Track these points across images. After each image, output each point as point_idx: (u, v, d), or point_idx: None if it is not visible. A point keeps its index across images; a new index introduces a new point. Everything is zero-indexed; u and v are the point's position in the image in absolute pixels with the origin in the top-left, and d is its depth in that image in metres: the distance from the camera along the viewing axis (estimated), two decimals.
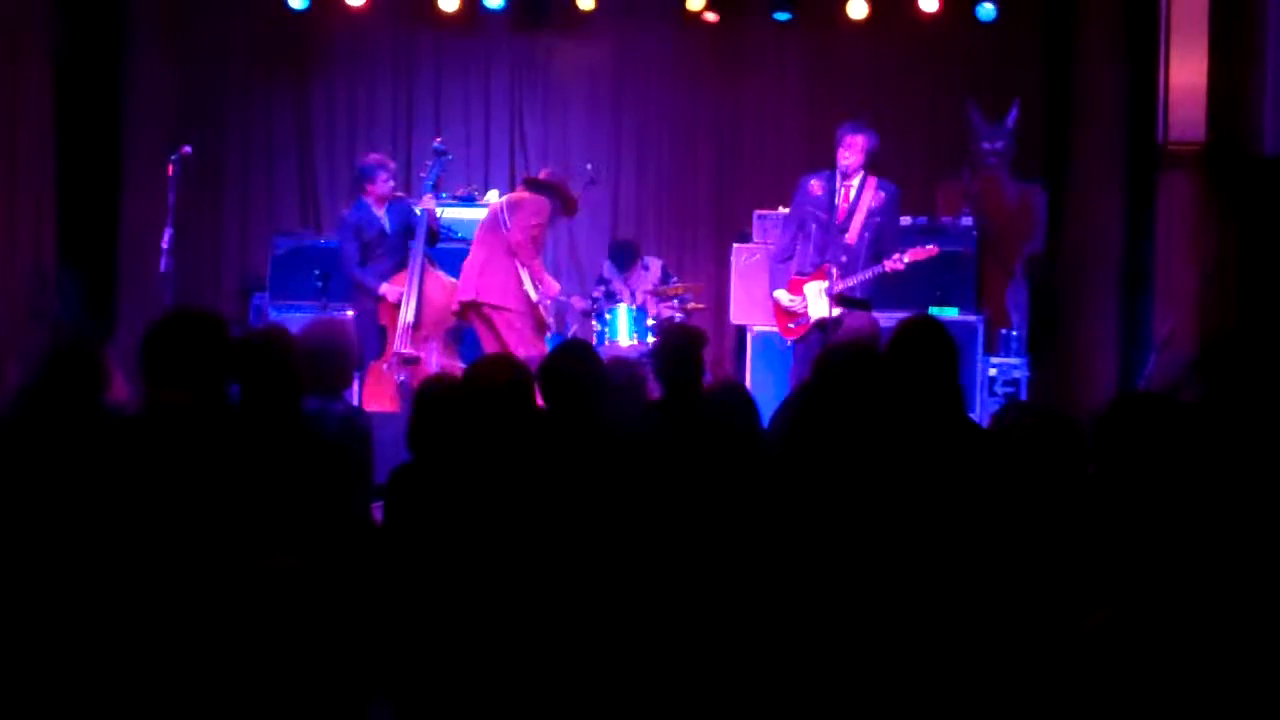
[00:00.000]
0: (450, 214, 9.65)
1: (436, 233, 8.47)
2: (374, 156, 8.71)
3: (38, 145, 8.92)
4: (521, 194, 8.35)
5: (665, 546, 3.48)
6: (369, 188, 8.39)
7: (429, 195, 8.36)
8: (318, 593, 2.53)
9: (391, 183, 8.46)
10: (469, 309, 8.17)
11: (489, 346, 8.06)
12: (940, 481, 3.56)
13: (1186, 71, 8.30)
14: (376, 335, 8.28)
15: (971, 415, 7.54)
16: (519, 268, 8.10)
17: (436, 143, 8.76)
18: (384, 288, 8.26)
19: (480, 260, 8.16)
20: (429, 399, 3.95)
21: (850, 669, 3.19)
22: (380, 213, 8.39)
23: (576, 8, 10.11)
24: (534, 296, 8.10)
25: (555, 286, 8.41)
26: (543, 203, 8.22)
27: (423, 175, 8.62)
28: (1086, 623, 2.31)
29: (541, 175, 8.54)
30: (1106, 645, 2.25)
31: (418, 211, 8.33)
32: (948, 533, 3.38)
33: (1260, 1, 8.02)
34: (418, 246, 8.21)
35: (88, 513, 3.13)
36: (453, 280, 8.35)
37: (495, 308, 8.06)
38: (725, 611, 3.29)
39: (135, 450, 3.22)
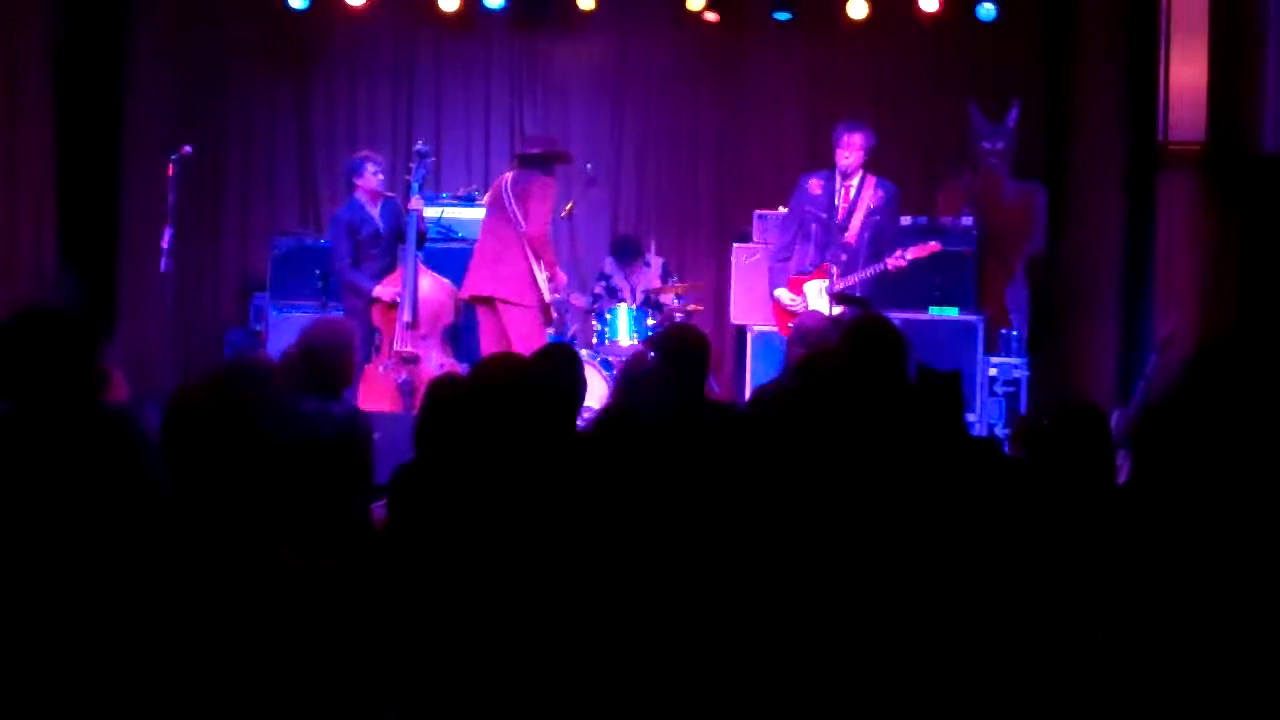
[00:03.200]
0: (451, 214, 9.67)
1: (423, 234, 8.44)
2: (362, 152, 8.72)
3: (38, 145, 8.93)
4: (523, 177, 8.13)
5: (669, 550, 3.48)
6: (358, 183, 8.37)
7: (416, 197, 8.32)
8: (328, 592, 2.53)
9: (380, 176, 8.40)
10: (479, 302, 8.11)
11: (488, 341, 8.01)
12: (894, 485, 3.57)
13: (1186, 71, 8.30)
14: (368, 337, 8.24)
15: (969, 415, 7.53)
16: (531, 261, 8.01)
17: (419, 145, 8.69)
18: (377, 289, 8.25)
19: (493, 252, 8.06)
20: (441, 398, 3.93)
21: (848, 671, 3.19)
22: (374, 211, 8.37)
23: (576, 8, 10.11)
24: (547, 297, 8.06)
25: (563, 278, 8.38)
26: (548, 184, 8.10)
27: (407, 178, 8.59)
28: (1092, 640, 2.30)
29: (535, 150, 8.36)
30: (1116, 660, 2.25)
31: (407, 212, 8.32)
32: (911, 536, 3.39)
33: (1260, 2, 8.02)
34: (410, 248, 8.19)
35: (89, 511, 3.12)
36: (445, 280, 8.34)
37: (509, 303, 7.99)
38: (728, 618, 3.29)
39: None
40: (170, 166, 7.95)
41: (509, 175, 8.28)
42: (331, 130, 10.64)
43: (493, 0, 10.09)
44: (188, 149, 8.02)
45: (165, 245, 7.83)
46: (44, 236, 8.98)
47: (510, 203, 8.04)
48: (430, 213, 9.10)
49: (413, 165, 8.52)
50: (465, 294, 8.18)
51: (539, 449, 3.73)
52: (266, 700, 2.47)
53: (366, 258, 8.33)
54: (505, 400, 3.54)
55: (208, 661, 2.45)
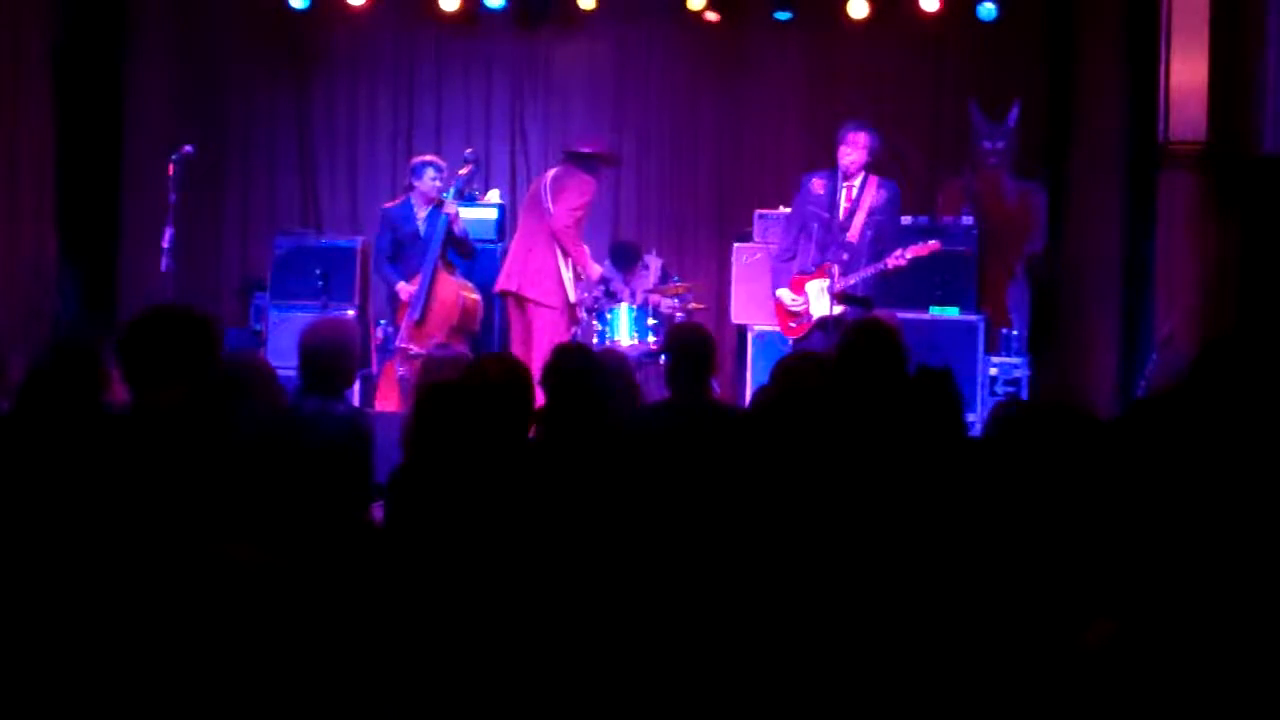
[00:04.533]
0: None
1: (467, 243, 8.51)
2: (425, 156, 8.87)
3: (38, 145, 8.93)
4: (565, 171, 8.23)
5: (670, 549, 3.48)
6: (416, 185, 8.55)
7: (450, 200, 8.42)
8: (292, 588, 2.52)
9: (438, 182, 8.52)
10: (509, 298, 8.19)
11: (517, 339, 8.10)
12: (894, 485, 3.57)
13: (1186, 71, 8.30)
14: (395, 334, 8.40)
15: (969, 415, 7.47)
16: (560, 259, 8.06)
17: (468, 152, 8.94)
18: (400, 284, 8.40)
19: (523, 248, 8.16)
20: (431, 399, 3.93)
21: (844, 674, 3.19)
22: (421, 214, 8.51)
23: (576, 8, 10.11)
24: (572, 297, 8.11)
25: (597, 271, 8.44)
26: (588, 182, 8.15)
27: (451, 181, 8.69)
28: (1088, 635, 2.29)
29: (586, 149, 8.43)
30: (1114, 658, 2.23)
31: (441, 216, 8.41)
32: (906, 537, 3.38)
33: (1260, 1, 8.02)
34: (433, 247, 8.30)
35: (81, 511, 3.13)
36: (465, 282, 8.44)
37: (536, 303, 8.06)
38: (729, 616, 3.28)
39: (125, 448, 3.23)
40: (170, 166, 7.97)
41: (551, 171, 8.39)
42: (332, 130, 10.64)
43: (493, 0, 10.09)
44: (188, 149, 8.04)
45: (165, 245, 7.84)
46: (44, 236, 8.98)
47: (546, 197, 8.15)
48: None
49: (461, 173, 8.65)
50: (496, 290, 8.30)
51: (532, 449, 3.73)
52: (264, 700, 2.47)
53: (402, 257, 8.51)
54: (498, 400, 3.54)
55: (173, 660, 2.45)
